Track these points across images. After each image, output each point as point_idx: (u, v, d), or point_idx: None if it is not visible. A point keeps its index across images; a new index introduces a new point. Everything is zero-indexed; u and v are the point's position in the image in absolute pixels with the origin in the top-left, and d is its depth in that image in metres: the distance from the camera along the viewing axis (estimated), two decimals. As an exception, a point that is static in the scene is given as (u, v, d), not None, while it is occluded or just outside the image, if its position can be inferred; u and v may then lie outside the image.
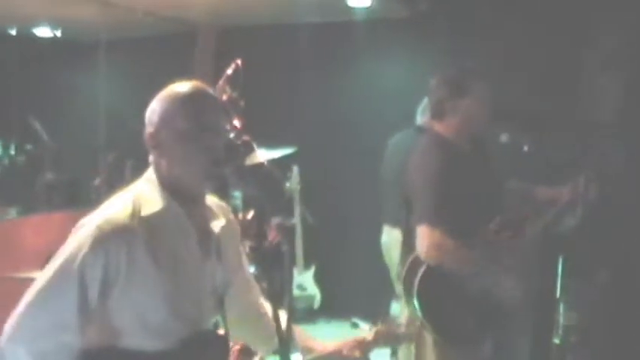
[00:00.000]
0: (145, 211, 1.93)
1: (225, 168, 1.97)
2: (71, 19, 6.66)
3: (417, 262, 3.13)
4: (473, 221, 3.10)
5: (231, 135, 2.14)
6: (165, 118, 1.96)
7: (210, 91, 2.08)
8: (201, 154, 1.94)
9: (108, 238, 1.86)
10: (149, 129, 1.98)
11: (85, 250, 1.86)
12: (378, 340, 2.41)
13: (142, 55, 7.26)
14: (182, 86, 2.02)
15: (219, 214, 2.12)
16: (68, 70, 7.75)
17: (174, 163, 1.97)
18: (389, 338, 2.46)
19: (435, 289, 3.10)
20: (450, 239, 3.01)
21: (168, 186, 1.98)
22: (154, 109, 1.99)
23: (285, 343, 1.91)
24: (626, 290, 4.82)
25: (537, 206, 3.40)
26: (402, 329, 2.55)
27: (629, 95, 5.11)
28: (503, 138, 3.69)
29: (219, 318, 2.09)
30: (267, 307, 2.29)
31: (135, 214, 1.92)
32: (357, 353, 2.36)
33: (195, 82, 2.05)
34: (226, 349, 2.09)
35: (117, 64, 6.69)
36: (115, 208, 1.94)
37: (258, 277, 2.45)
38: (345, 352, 2.35)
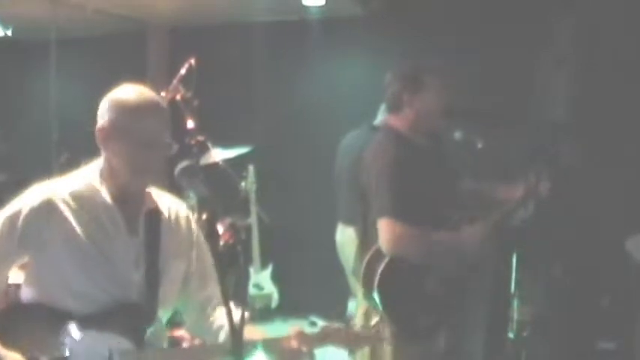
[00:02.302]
0: (74, 188, 2.21)
1: (154, 173, 2.21)
2: (21, 18, 6.52)
3: (376, 257, 3.15)
4: (429, 215, 3.13)
5: (172, 145, 2.24)
6: (115, 123, 2.16)
7: (160, 101, 2.24)
8: (142, 157, 2.14)
9: (31, 206, 2.17)
10: (101, 123, 2.19)
11: (10, 210, 2.20)
12: (325, 339, 2.30)
13: (93, 54, 7.16)
14: (134, 93, 2.18)
15: (159, 204, 2.30)
16: (19, 69, 7.60)
17: (114, 158, 2.20)
18: (338, 338, 2.32)
19: (395, 283, 3.12)
20: (411, 228, 3.05)
21: (106, 174, 2.23)
22: (107, 108, 2.19)
23: (237, 340, 1.91)
24: (579, 285, 4.90)
25: (491, 205, 3.43)
26: (356, 330, 2.39)
27: (581, 93, 5.20)
28: (457, 135, 3.72)
29: (149, 294, 2.22)
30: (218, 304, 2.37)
31: (64, 189, 2.20)
32: (296, 345, 2.24)
33: (146, 90, 2.20)
34: (144, 320, 2.20)
35: (68, 62, 6.58)
36: (52, 183, 2.25)
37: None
38: (288, 344, 2.25)
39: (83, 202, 2.19)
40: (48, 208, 2.16)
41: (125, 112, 2.15)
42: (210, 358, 2.27)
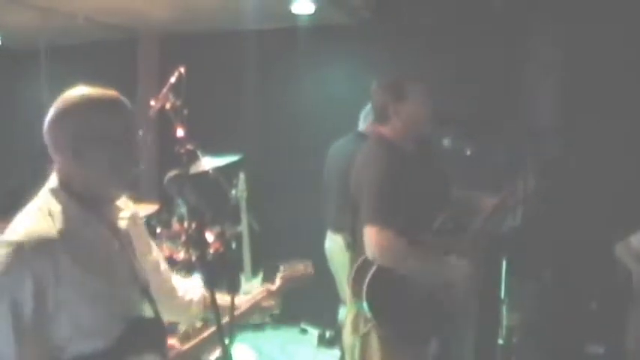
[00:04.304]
0: (59, 221, 1.89)
1: (139, 168, 2.02)
2: (11, 26, 6.53)
3: (365, 264, 3.16)
4: (419, 221, 3.15)
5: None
6: (86, 125, 1.95)
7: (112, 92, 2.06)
8: (126, 156, 1.98)
9: (31, 255, 1.80)
10: (63, 137, 1.95)
11: (10, 272, 1.80)
12: (284, 285, 2.72)
13: (83, 62, 7.14)
14: (97, 92, 2.01)
15: (123, 206, 2.14)
16: (9, 78, 7.59)
17: (96, 168, 1.96)
18: (293, 280, 2.75)
19: (383, 290, 3.14)
20: (398, 238, 3.05)
21: (77, 192, 1.96)
22: (64, 118, 1.99)
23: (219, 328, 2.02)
24: (568, 290, 4.93)
25: (478, 213, 3.45)
26: (302, 269, 2.81)
27: (569, 99, 5.24)
28: (446, 142, 3.75)
29: (148, 304, 2.09)
30: (179, 282, 2.47)
31: (52, 225, 1.87)
32: (271, 302, 2.67)
33: (98, 89, 2.03)
34: (162, 331, 2.12)
35: (59, 71, 6.58)
36: (31, 223, 1.88)
37: (204, 286, 2.47)
38: (262, 304, 2.63)
39: (74, 233, 1.90)
40: (49, 254, 1.83)
41: (98, 105, 1.97)
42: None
